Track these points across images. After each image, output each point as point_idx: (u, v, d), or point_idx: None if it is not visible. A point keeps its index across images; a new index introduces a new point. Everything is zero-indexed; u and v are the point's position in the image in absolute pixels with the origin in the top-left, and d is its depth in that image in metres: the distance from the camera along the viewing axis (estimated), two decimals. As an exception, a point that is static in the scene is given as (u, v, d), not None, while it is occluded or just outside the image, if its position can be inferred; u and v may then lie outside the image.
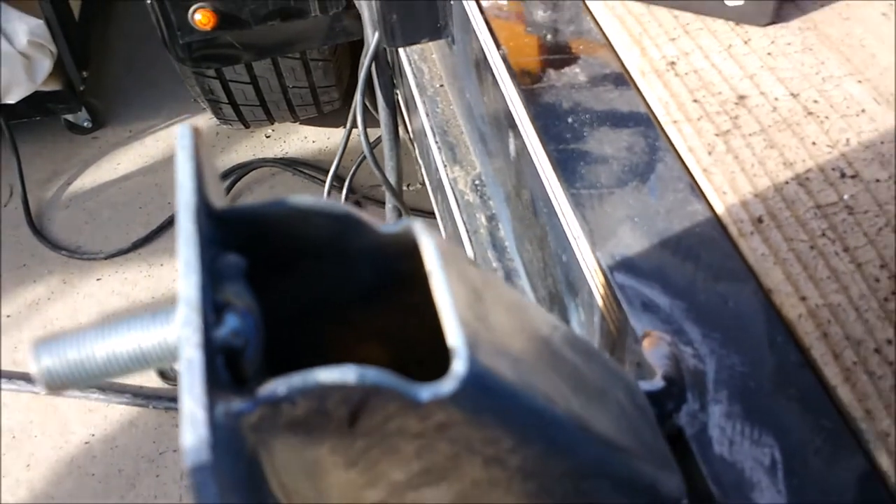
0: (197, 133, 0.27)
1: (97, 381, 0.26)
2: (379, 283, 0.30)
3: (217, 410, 0.22)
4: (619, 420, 0.32)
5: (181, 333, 0.23)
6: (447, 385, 0.24)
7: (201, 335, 0.23)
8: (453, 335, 0.25)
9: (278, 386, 0.23)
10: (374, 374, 0.23)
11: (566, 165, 0.52)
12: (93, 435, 1.64)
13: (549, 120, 0.55)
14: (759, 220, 0.47)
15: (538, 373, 0.28)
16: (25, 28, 1.86)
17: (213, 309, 0.24)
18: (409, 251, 0.28)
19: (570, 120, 0.55)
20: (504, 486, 0.28)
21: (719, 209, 0.48)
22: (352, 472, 0.26)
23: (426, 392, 0.24)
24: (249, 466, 0.24)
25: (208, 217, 0.26)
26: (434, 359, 0.27)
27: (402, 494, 0.27)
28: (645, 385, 0.39)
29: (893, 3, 0.59)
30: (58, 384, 0.26)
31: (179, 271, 0.24)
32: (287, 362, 0.26)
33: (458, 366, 0.24)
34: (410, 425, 0.25)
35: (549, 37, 0.62)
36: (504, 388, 0.25)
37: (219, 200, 0.28)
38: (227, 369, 0.25)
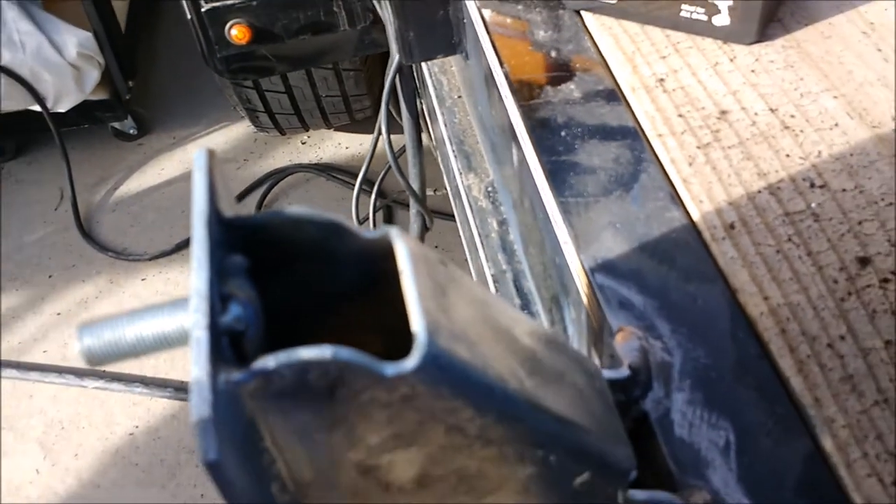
0: (211, 154, 0.33)
1: (128, 358, 0.32)
2: (364, 280, 0.35)
3: (219, 379, 0.27)
4: (574, 400, 0.36)
5: (193, 318, 0.28)
6: (409, 363, 0.29)
7: (208, 319, 0.28)
8: (416, 322, 0.30)
9: (269, 361, 0.28)
10: (346, 353, 0.28)
11: (557, 175, 0.57)
12: (137, 427, 1.72)
13: (544, 133, 0.60)
14: (731, 227, 0.51)
15: (493, 356, 0.33)
16: (75, 40, 1.97)
17: (219, 299, 0.30)
18: (388, 253, 0.33)
19: (563, 133, 0.59)
20: (466, 451, 0.33)
21: (695, 216, 0.53)
22: (334, 435, 0.31)
23: (391, 368, 0.29)
24: (248, 427, 0.30)
25: (218, 224, 0.32)
26: (410, 343, 0.32)
27: (378, 456, 0.33)
28: (611, 373, 0.44)
29: (874, 21, 0.62)
30: (96, 360, 0.32)
31: (192, 268, 0.29)
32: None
33: (419, 347, 0.29)
34: (380, 396, 0.30)
35: (548, 55, 0.67)
36: (458, 366, 0.30)
37: (228, 210, 0.33)
38: (231, 349, 0.30)
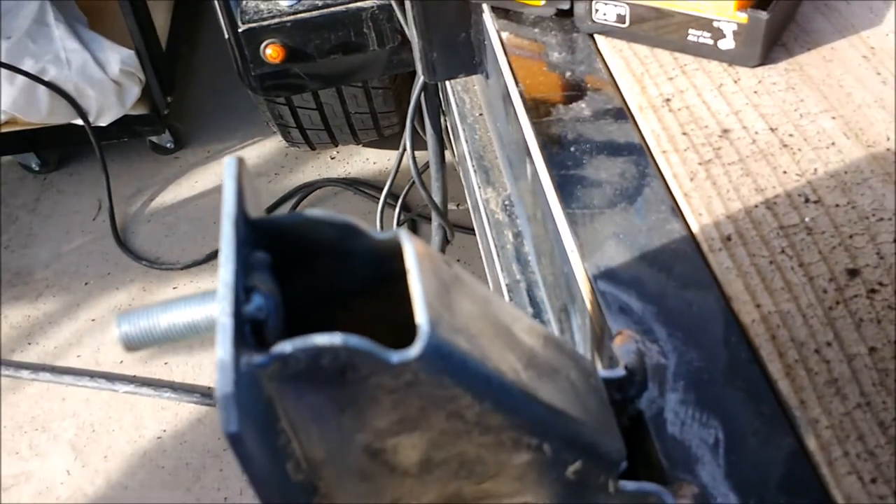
0: (240, 162, 0.37)
1: (161, 344, 0.36)
2: (376, 278, 0.39)
3: (242, 361, 0.31)
4: (567, 393, 0.39)
5: (219, 306, 0.32)
6: (412, 351, 0.32)
7: (233, 308, 0.32)
8: (420, 314, 0.33)
9: (286, 345, 0.32)
10: (355, 340, 0.32)
11: (565, 188, 0.60)
12: (164, 431, 1.77)
13: (555, 149, 0.63)
14: (728, 239, 0.54)
15: (491, 349, 0.36)
16: (117, 57, 2.04)
17: (244, 291, 0.33)
18: (397, 253, 0.37)
19: (573, 149, 0.63)
20: (466, 437, 0.36)
21: (694, 228, 0.55)
22: (344, 417, 0.35)
23: (396, 356, 0.32)
24: (266, 408, 0.33)
25: (245, 224, 0.35)
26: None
27: (384, 439, 0.36)
28: (608, 373, 0.47)
29: (875, 46, 0.65)
30: (133, 345, 0.35)
31: (220, 263, 0.33)
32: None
33: (421, 337, 0.33)
34: (386, 382, 0.33)
35: (562, 75, 0.70)
36: (457, 356, 0.33)
37: (254, 212, 0.37)
38: (253, 337, 0.34)
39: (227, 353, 0.30)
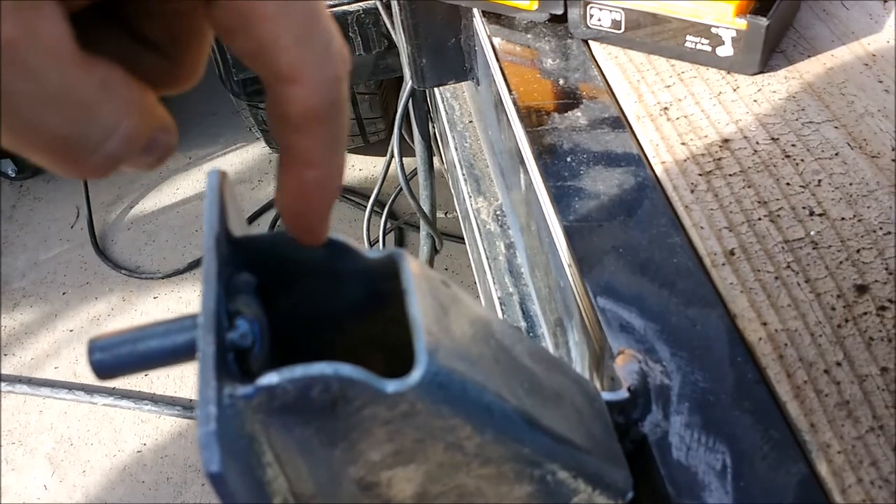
0: (223, 175, 0.34)
1: (137, 372, 0.33)
2: (368, 299, 0.36)
3: (224, 393, 0.28)
4: (572, 420, 0.37)
5: (200, 334, 0.30)
6: (409, 380, 0.30)
7: (216, 335, 0.29)
8: (418, 340, 0.31)
9: (273, 376, 0.29)
10: (347, 369, 0.29)
11: (562, 200, 0.58)
12: (144, 444, 1.73)
13: (550, 159, 0.61)
14: (731, 253, 0.52)
15: (492, 375, 0.33)
16: (96, 62, 2.00)
17: (227, 316, 0.31)
18: (391, 273, 0.34)
19: (568, 159, 0.61)
20: (465, 469, 0.34)
21: (696, 242, 0.53)
22: (335, 450, 0.32)
23: (391, 385, 0.30)
24: (251, 442, 0.30)
25: (228, 243, 0.33)
26: (412, 361, 0.33)
27: (378, 473, 0.33)
28: (611, 395, 0.44)
29: (876, 53, 0.63)
30: (106, 374, 0.33)
31: (202, 285, 0.31)
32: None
33: (419, 365, 0.30)
34: (381, 413, 0.31)
35: (556, 83, 0.68)
36: (457, 384, 0.31)
37: (238, 229, 0.34)
38: (237, 365, 0.31)
39: (210, 386, 0.28)
